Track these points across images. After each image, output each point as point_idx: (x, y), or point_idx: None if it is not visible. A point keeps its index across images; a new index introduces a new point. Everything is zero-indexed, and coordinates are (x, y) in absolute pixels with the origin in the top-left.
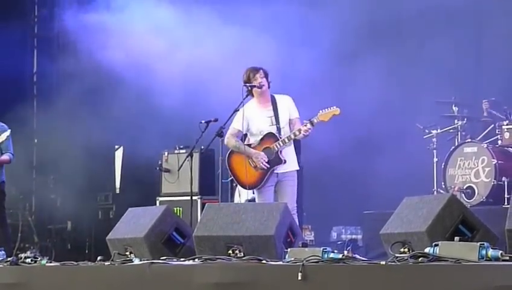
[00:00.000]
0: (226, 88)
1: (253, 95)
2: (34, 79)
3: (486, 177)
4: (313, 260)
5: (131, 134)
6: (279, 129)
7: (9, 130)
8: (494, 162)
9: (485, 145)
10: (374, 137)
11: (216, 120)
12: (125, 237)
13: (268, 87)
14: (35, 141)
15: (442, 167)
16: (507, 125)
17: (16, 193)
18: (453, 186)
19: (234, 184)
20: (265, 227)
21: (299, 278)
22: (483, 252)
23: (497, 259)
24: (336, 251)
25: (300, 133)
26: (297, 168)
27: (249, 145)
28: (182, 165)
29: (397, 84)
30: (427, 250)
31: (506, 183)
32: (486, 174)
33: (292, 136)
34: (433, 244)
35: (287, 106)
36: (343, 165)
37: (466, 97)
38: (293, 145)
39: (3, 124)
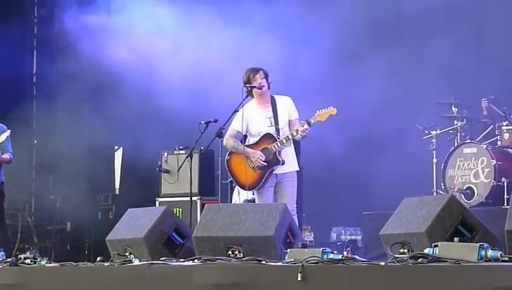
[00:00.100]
0: (227, 88)
1: (253, 96)
2: (33, 80)
3: (486, 178)
4: (312, 261)
5: (131, 135)
6: (278, 130)
7: (8, 131)
8: (493, 163)
9: (485, 146)
10: (374, 137)
11: (216, 121)
12: (124, 237)
13: (268, 88)
14: (35, 141)
15: (442, 167)
16: (506, 126)
17: (16, 194)
18: (452, 187)
19: (234, 185)
20: (265, 228)
21: (299, 278)
22: (483, 252)
23: (496, 260)
24: (335, 252)
25: (297, 133)
26: (297, 169)
27: (249, 146)
28: (181, 166)
29: (398, 84)
30: (426, 251)
31: (505, 184)
32: (485, 175)
33: (290, 137)
34: (433, 245)
35: (286, 107)
36: (343, 166)
37: (466, 98)
38: (292, 146)
39: (2, 125)
